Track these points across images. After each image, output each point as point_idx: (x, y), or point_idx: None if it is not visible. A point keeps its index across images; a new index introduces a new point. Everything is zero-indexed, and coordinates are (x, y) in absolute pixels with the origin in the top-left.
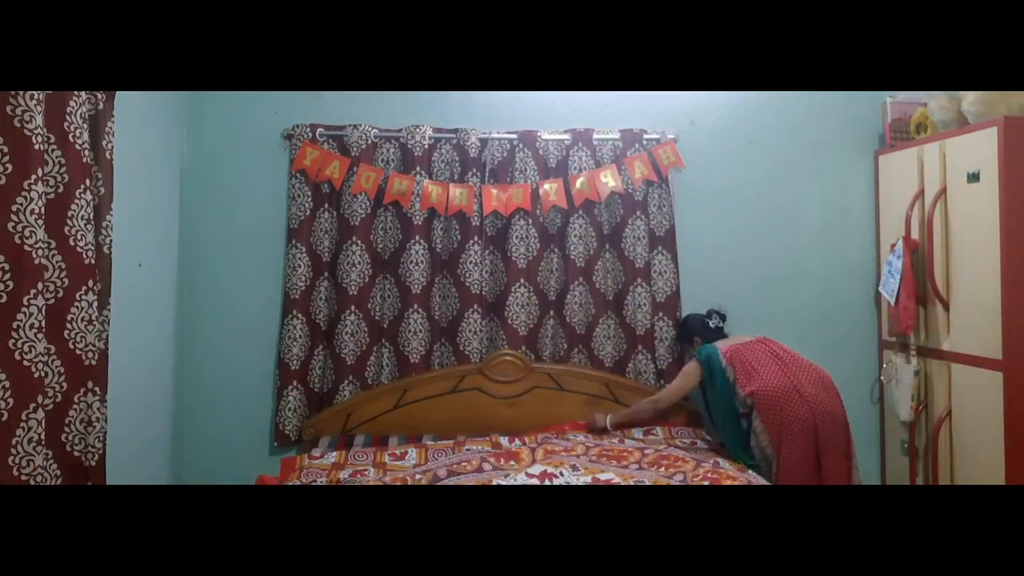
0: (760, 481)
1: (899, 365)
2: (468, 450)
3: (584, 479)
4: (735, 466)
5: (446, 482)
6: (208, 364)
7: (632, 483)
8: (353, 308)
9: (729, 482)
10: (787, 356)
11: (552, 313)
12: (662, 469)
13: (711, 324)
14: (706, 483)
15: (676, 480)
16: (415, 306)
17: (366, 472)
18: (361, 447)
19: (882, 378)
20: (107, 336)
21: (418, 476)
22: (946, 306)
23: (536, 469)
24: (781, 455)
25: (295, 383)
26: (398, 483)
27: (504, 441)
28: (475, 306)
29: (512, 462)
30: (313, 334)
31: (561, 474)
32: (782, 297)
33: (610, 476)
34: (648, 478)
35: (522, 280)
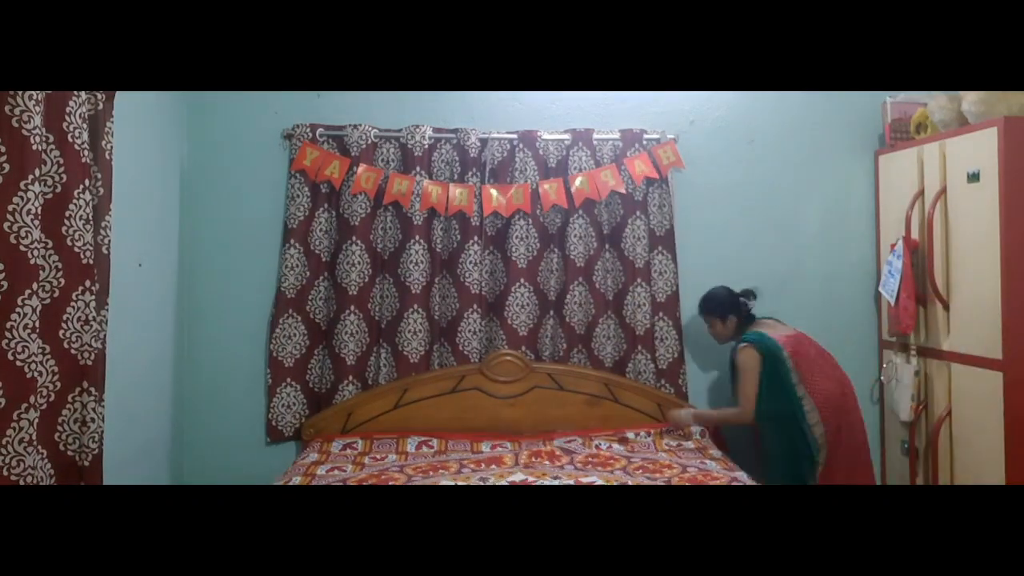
0: (749, 482)
1: (899, 365)
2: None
3: (567, 482)
4: (722, 466)
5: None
6: (208, 363)
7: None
8: (353, 308)
9: (716, 484)
10: (829, 355)
11: (552, 313)
12: (647, 474)
13: (748, 305)
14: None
15: (661, 483)
16: (415, 306)
17: (344, 468)
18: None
19: (882, 378)
20: (105, 336)
21: (396, 476)
22: (946, 306)
23: (517, 477)
24: (831, 461)
25: (290, 380)
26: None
27: (486, 448)
28: (475, 306)
29: (494, 466)
30: (312, 334)
31: (541, 484)
32: (782, 297)
33: (593, 479)
34: (632, 481)
35: (522, 280)
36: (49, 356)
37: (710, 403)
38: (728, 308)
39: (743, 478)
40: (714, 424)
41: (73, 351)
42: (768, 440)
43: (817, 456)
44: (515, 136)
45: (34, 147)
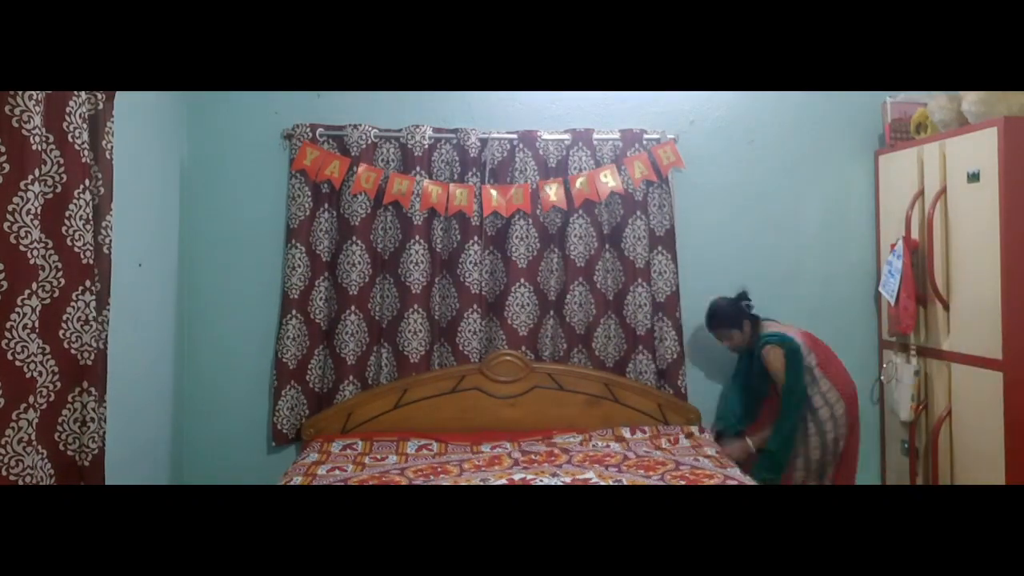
0: (747, 480)
1: (899, 365)
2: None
3: (564, 479)
4: (715, 464)
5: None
6: (208, 364)
7: (611, 483)
8: (353, 308)
9: (708, 481)
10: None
11: (552, 313)
12: (641, 471)
13: (750, 307)
14: (682, 483)
15: (654, 480)
16: (415, 306)
17: (345, 468)
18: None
19: (882, 378)
20: (106, 336)
21: (397, 479)
22: (946, 306)
23: (517, 476)
24: (847, 451)
25: (293, 382)
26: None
27: (486, 448)
28: (475, 306)
29: (496, 467)
30: (313, 334)
31: (541, 482)
32: (782, 297)
33: (589, 476)
34: (626, 479)
35: (522, 280)
36: (49, 356)
37: (711, 402)
38: (740, 315)
39: (736, 475)
40: (782, 440)
41: (73, 351)
42: (786, 427)
43: (839, 443)
44: (515, 136)
45: (34, 147)
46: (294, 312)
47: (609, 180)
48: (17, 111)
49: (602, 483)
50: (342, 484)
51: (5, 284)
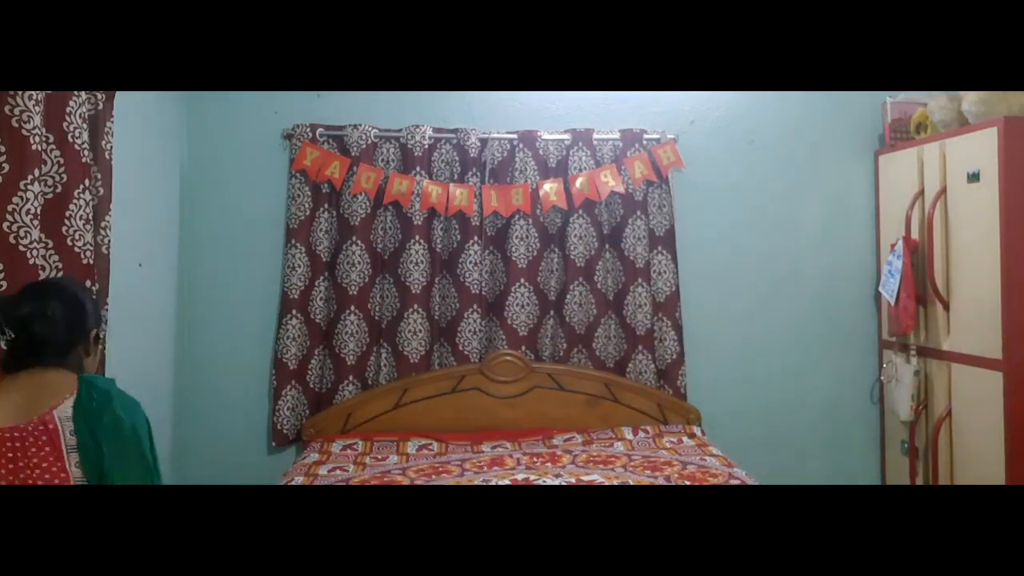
0: (747, 479)
1: (899, 365)
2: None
3: (568, 480)
4: (722, 463)
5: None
6: (208, 364)
7: (616, 484)
8: (353, 308)
9: (715, 481)
10: None
11: (552, 313)
12: (647, 471)
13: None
14: (687, 483)
15: (661, 480)
16: (415, 306)
17: (346, 468)
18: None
19: (882, 378)
20: (104, 336)
21: (398, 479)
22: (946, 306)
23: (520, 476)
24: None
25: (293, 382)
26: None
27: (487, 448)
28: (475, 306)
29: (496, 468)
30: (313, 334)
31: (544, 482)
32: (782, 297)
33: (594, 477)
34: (632, 479)
35: (522, 280)
36: None
37: (711, 402)
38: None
39: (741, 475)
40: None
41: None
42: None
43: None
44: (515, 136)
45: (34, 147)
46: (294, 312)
47: (609, 180)
48: (17, 111)
49: (607, 484)
50: (344, 484)
51: (5, 284)
